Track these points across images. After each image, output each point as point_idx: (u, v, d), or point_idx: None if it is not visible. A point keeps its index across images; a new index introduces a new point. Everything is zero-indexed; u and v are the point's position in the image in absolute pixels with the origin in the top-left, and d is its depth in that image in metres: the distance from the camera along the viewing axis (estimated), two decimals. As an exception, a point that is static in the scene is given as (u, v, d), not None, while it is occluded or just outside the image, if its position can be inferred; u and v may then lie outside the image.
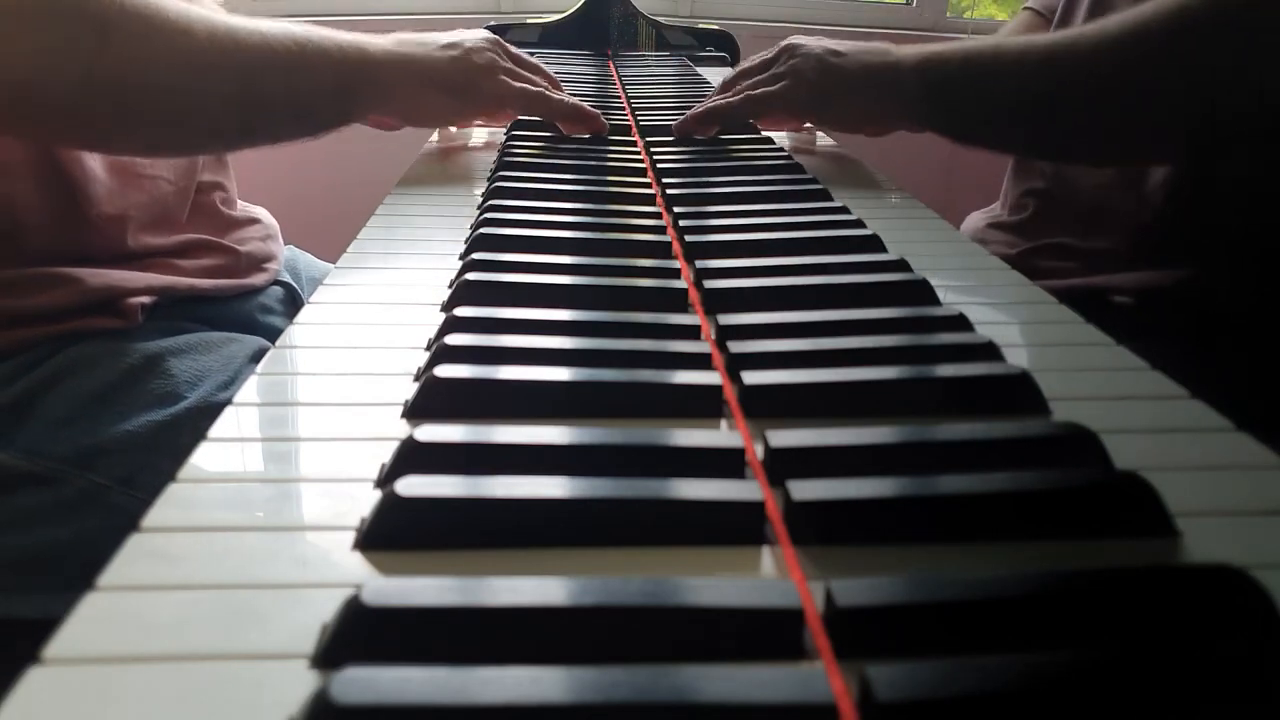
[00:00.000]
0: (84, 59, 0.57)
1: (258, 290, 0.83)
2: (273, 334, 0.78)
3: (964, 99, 0.73)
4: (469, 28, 0.81)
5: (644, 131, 0.88)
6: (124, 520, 0.29)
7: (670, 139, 0.85)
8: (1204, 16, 0.62)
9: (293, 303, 0.86)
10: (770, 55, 0.81)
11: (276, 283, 0.85)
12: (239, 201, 0.87)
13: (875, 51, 0.76)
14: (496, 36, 0.81)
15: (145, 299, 0.70)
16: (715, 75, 1.23)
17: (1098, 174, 0.80)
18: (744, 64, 0.86)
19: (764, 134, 0.88)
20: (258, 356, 0.71)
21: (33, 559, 0.62)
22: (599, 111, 0.85)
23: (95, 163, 0.69)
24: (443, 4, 1.11)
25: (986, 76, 0.71)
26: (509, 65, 0.79)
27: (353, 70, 0.70)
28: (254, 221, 0.86)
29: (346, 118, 0.72)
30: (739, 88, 0.82)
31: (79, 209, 0.68)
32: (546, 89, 0.82)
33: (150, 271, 0.73)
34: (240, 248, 0.81)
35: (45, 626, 0.25)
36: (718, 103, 0.82)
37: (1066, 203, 0.83)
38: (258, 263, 0.83)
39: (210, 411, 0.63)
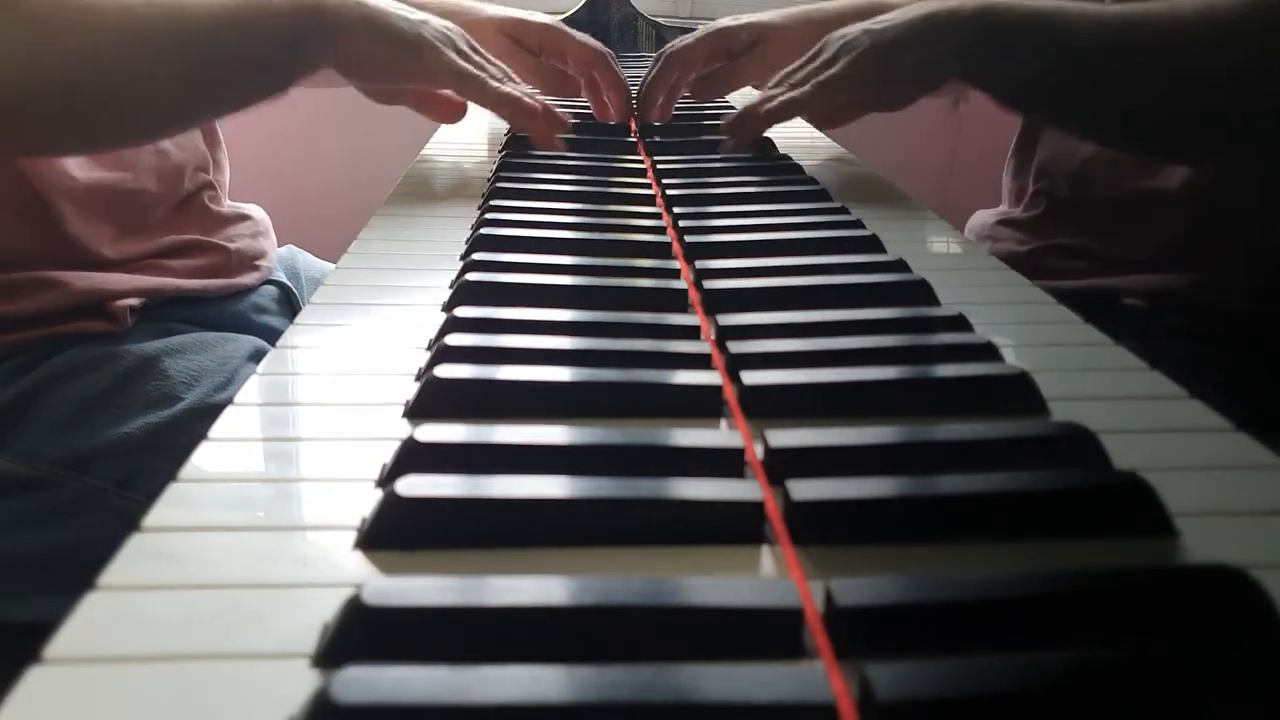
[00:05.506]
0: (22, 59, 0.56)
1: (250, 289, 0.82)
2: (267, 334, 0.78)
3: (1029, 55, 0.67)
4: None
5: (644, 132, 0.88)
6: (122, 523, 0.29)
7: (670, 139, 0.85)
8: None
9: (287, 302, 0.85)
10: (807, 56, 0.75)
11: (271, 282, 0.85)
12: (227, 199, 0.86)
13: (918, 5, 0.70)
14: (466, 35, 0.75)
15: (133, 301, 0.70)
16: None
17: (1113, 175, 0.79)
18: (776, 76, 0.78)
19: (765, 135, 0.88)
20: (254, 356, 0.71)
21: (30, 563, 0.62)
22: (540, 108, 0.75)
23: (70, 182, 0.68)
24: (442, 4, 1.13)
25: (1061, 33, 0.65)
26: (463, 48, 0.73)
27: (304, 13, 0.65)
28: (244, 218, 0.84)
29: (294, 71, 0.68)
30: (794, 80, 0.74)
31: (54, 228, 0.68)
32: (487, 78, 0.73)
33: (137, 274, 0.72)
34: (230, 245, 0.80)
35: (44, 629, 0.25)
36: (787, 97, 0.73)
37: (1080, 203, 0.82)
38: (249, 260, 0.82)
39: (207, 413, 0.62)
